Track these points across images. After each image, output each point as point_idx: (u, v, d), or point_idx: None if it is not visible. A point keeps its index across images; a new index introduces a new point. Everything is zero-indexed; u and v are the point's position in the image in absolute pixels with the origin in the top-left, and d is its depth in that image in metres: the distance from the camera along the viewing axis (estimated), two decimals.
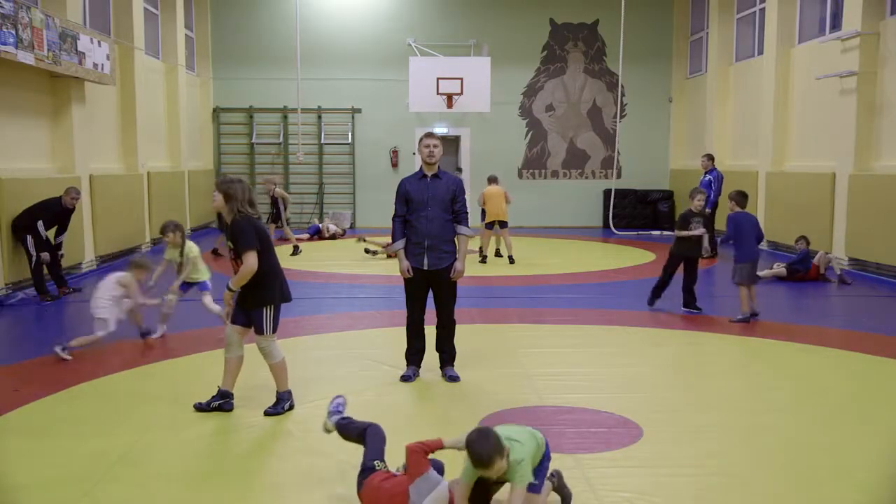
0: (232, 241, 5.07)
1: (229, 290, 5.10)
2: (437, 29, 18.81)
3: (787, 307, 9.54)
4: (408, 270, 5.90)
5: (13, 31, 9.06)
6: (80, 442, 4.75)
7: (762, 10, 15.30)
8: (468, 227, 6.02)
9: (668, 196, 19.07)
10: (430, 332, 6.16)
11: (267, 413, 5.18)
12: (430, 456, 3.70)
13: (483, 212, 12.77)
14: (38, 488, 4.11)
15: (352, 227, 18.63)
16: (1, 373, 6.30)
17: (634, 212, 19.02)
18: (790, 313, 9.15)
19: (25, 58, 9.38)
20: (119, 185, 13.16)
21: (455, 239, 5.97)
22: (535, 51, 19.31)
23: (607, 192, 18.26)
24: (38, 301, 9.29)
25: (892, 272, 11.01)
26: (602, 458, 4.48)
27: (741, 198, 8.42)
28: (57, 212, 9.51)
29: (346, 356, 6.74)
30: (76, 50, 10.82)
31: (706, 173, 13.45)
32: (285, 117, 18.92)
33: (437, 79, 15.30)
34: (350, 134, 19.11)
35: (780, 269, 11.11)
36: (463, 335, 6.47)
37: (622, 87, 18.78)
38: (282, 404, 5.24)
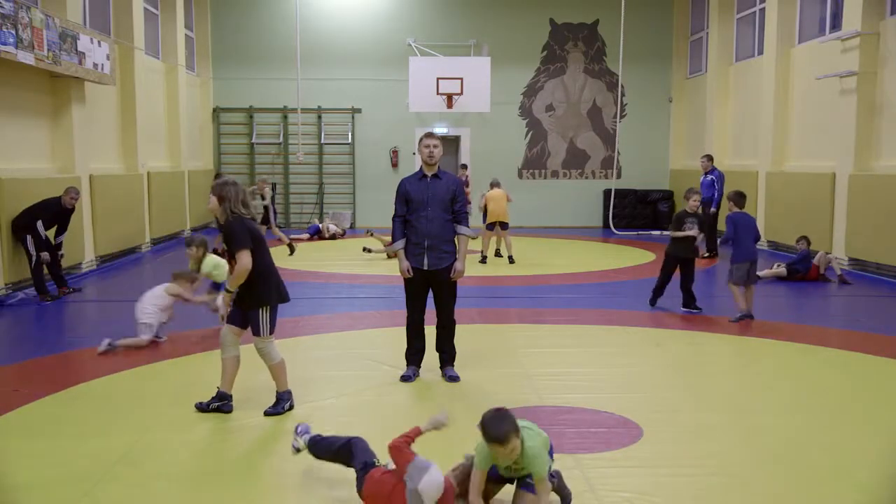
0: (226, 241, 5.11)
1: (226, 291, 5.12)
2: (437, 29, 18.82)
3: (787, 307, 9.54)
4: (408, 270, 5.90)
5: (13, 31, 9.06)
6: (80, 442, 4.75)
7: (762, 10, 15.30)
8: (468, 227, 6.03)
9: (667, 196, 19.08)
10: (430, 332, 6.16)
11: (267, 413, 5.19)
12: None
13: (484, 213, 12.79)
14: (38, 488, 4.11)
15: (352, 227, 18.64)
16: (1, 373, 6.30)
17: (634, 212, 19.04)
18: (790, 313, 9.15)
19: (25, 58, 9.39)
20: (119, 185, 13.16)
21: (455, 239, 5.98)
22: (535, 51, 19.31)
23: (607, 192, 18.26)
24: (38, 301, 9.29)
25: (892, 272, 11.01)
26: (602, 458, 4.48)
27: (739, 198, 8.45)
28: (56, 212, 9.51)
29: (346, 356, 6.74)
30: (76, 50, 10.83)
31: (707, 174, 13.46)
32: (285, 117, 18.92)
33: (437, 79, 15.32)
34: (350, 134, 19.11)
35: (780, 269, 11.11)
36: (463, 335, 6.47)
37: (622, 87, 18.78)
38: (282, 404, 5.24)
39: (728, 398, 5.67)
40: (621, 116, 19.22)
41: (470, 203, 14.75)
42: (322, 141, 19.09)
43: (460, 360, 6.21)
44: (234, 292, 5.10)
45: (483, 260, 12.66)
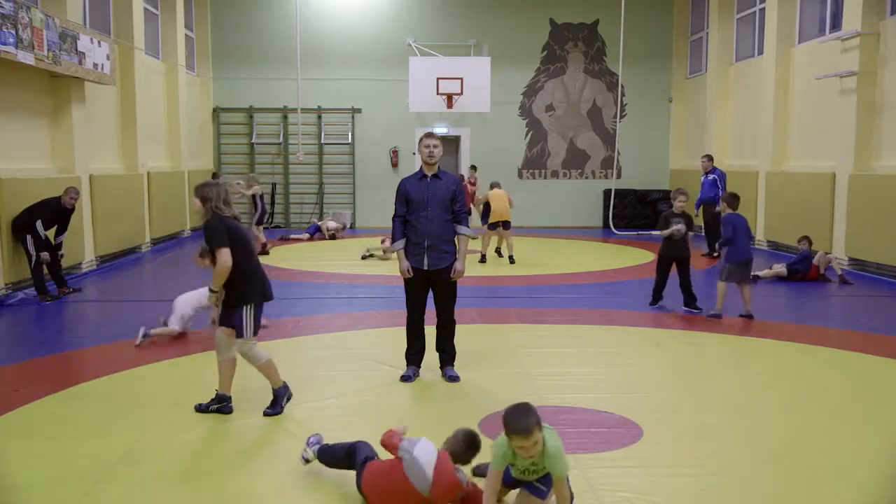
0: (206, 240, 5.13)
1: (211, 291, 5.12)
2: (437, 29, 18.82)
3: (787, 307, 9.54)
4: (408, 270, 5.90)
5: (13, 31, 9.06)
6: (80, 442, 4.75)
7: (762, 10, 15.30)
8: (468, 227, 6.03)
9: (667, 196, 19.01)
10: (430, 332, 6.16)
11: (266, 413, 5.18)
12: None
13: (485, 213, 12.77)
14: (38, 488, 4.11)
15: (352, 226, 18.64)
16: (1, 373, 6.30)
17: (634, 212, 19.04)
18: (790, 313, 9.15)
19: (25, 58, 9.39)
20: (119, 185, 13.16)
21: (455, 239, 5.98)
22: (535, 51, 19.31)
23: (607, 192, 18.26)
24: (38, 301, 9.29)
25: (892, 272, 11.01)
26: (602, 458, 4.48)
27: (734, 200, 8.56)
28: (56, 211, 9.50)
29: (346, 356, 6.74)
30: (76, 50, 10.83)
31: (708, 173, 13.45)
32: (285, 117, 18.92)
33: (437, 79, 15.30)
34: (350, 134, 19.11)
35: (780, 269, 11.11)
36: (463, 335, 6.47)
37: (622, 87, 18.78)
38: (279, 401, 5.22)
39: (728, 398, 5.66)
40: (621, 116, 19.22)
41: (472, 204, 14.74)
42: (322, 141, 19.09)
43: (460, 360, 6.21)
44: (220, 292, 5.10)
45: (483, 259, 12.67)
